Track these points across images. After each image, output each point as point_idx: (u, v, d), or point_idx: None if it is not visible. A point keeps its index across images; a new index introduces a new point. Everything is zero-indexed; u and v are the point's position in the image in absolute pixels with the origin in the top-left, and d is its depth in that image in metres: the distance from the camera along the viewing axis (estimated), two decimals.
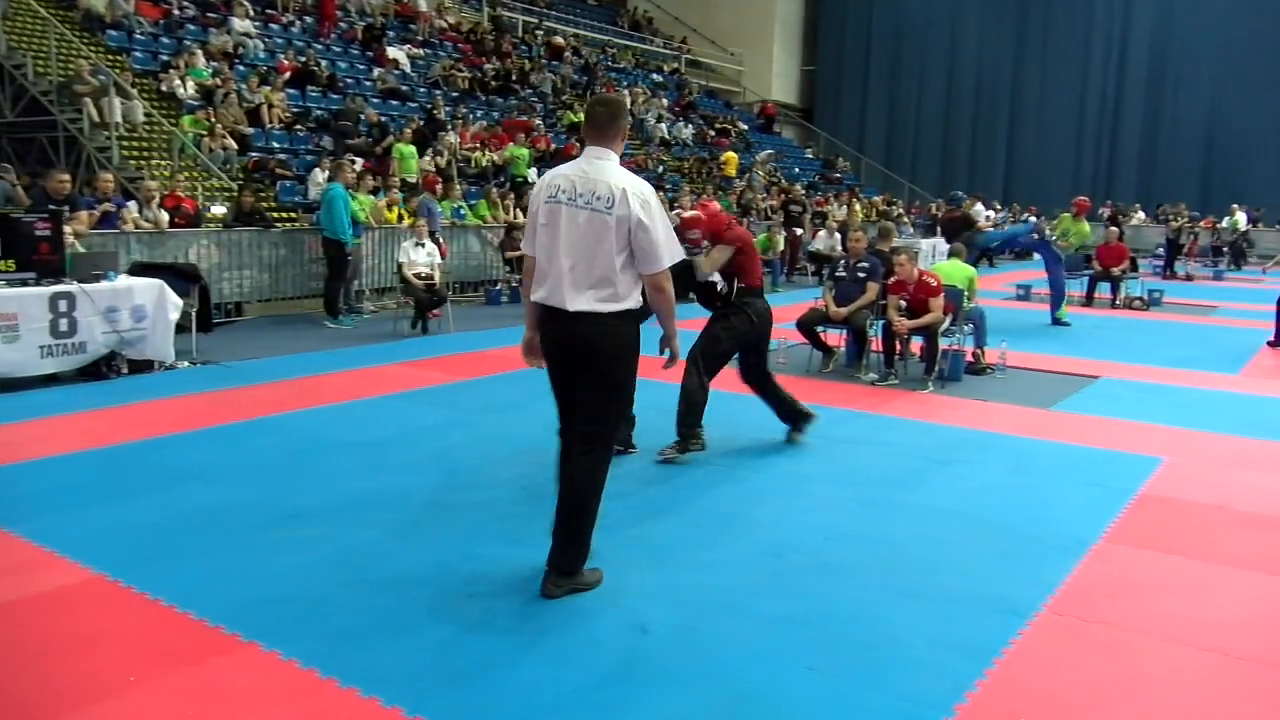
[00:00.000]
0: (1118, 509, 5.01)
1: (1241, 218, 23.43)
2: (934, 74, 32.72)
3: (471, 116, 18.52)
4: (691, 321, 5.59)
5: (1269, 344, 10.23)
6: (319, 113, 15.82)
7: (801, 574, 4.06)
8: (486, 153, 17.18)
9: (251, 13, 17.63)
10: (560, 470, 3.91)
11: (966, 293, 8.84)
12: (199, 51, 15.28)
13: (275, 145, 14.51)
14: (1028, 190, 29.48)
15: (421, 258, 11.00)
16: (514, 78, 21.76)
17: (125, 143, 12.93)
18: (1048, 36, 30.77)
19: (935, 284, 8.17)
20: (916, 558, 4.30)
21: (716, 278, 5.78)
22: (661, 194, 18.37)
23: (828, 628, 3.59)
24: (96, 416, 6.60)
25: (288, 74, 16.17)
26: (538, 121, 19.90)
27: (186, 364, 8.40)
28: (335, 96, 16.42)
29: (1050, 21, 30.68)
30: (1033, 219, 12.73)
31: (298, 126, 15.16)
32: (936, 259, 16.98)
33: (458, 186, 14.65)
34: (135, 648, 3.33)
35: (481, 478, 5.38)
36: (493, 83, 21.07)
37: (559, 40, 25.72)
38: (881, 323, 8.49)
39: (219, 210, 11.90)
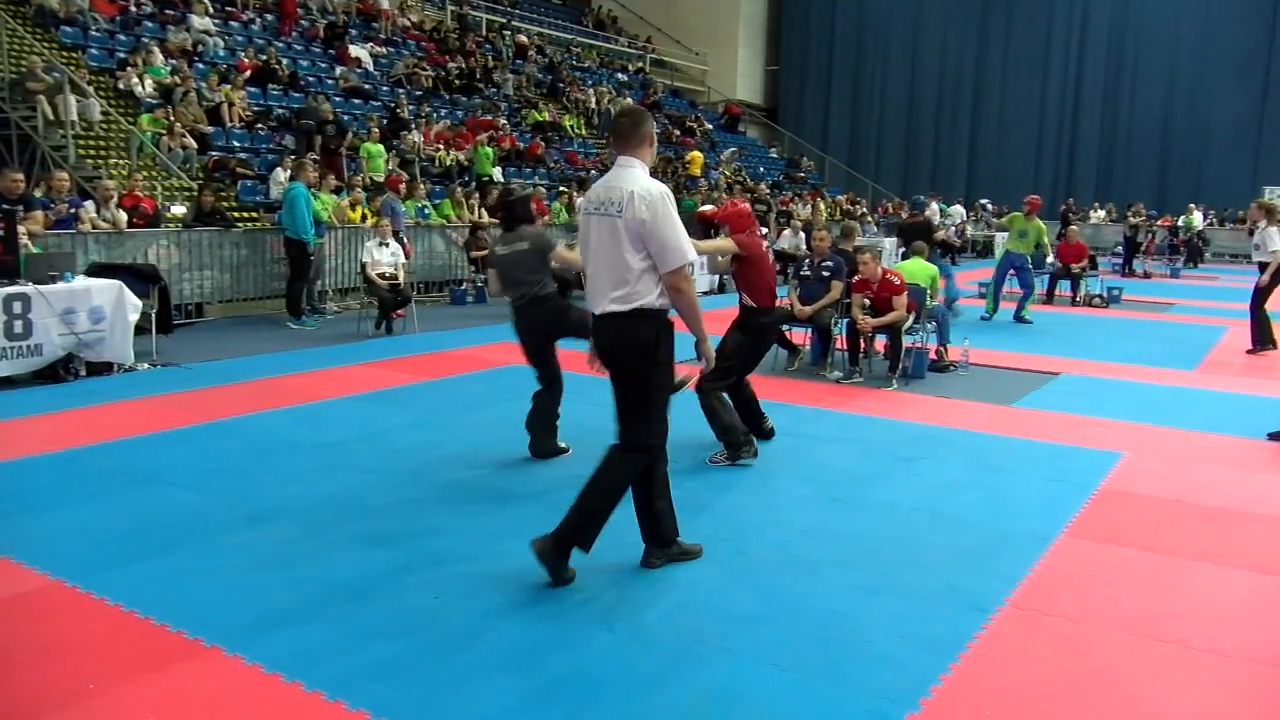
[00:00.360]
0: (1079, 504, 5.08)
1: (1197, 217, 23.85)
2: (897, 74, 33.03)
3: (435, 115, 18.41)
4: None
5: (1248, 352, 10.29)
6: (280, 111, 15.65)
7: (767, 570, 4.08)
8: (451, 152, 17.08)
9: (211, 10, 17.41)
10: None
11: (929, 291, 8.93)
12: (157, 49, 15.06)
13: (236, 144, 14.33)
14: (990, 189, 29.85)
15: (385, 257, 10.92)
16: (478, 76, 21.65)
17: (81, 141, 12.71)
18: (1009, 38, 31.17)
19: (899, 282, 8.24)
20: (881, 554, 4.33)
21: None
22: None
23: (793, 624, 3.61)
24: (53, 420, 6.48)
25: (248, 72, 15.98)
26: (502, 121, 19.83)
27: (146, 366, 8.29)
28: (297, 95, 16.25)
29: (1011, 23, 31.09)
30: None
31: (259, 125, 14.99)
32: (898, 259, 17.15)
33: (422, 186, 14.56)
34: (95, 655, 3.28)
35: (444, 478, 5.34)
36: (457, 81, 20.96)
37: (523, 39, 25.64)
38: (846, 321, 8.54)
39: (179, 210, 11.75)
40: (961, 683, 3.20)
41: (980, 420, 6.99)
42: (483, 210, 15.04)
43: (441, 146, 17.07)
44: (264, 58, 16.59)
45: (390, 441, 6.08)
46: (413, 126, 16.97)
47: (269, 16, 18.99)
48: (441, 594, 3.81)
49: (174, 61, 14.99)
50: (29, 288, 7.42)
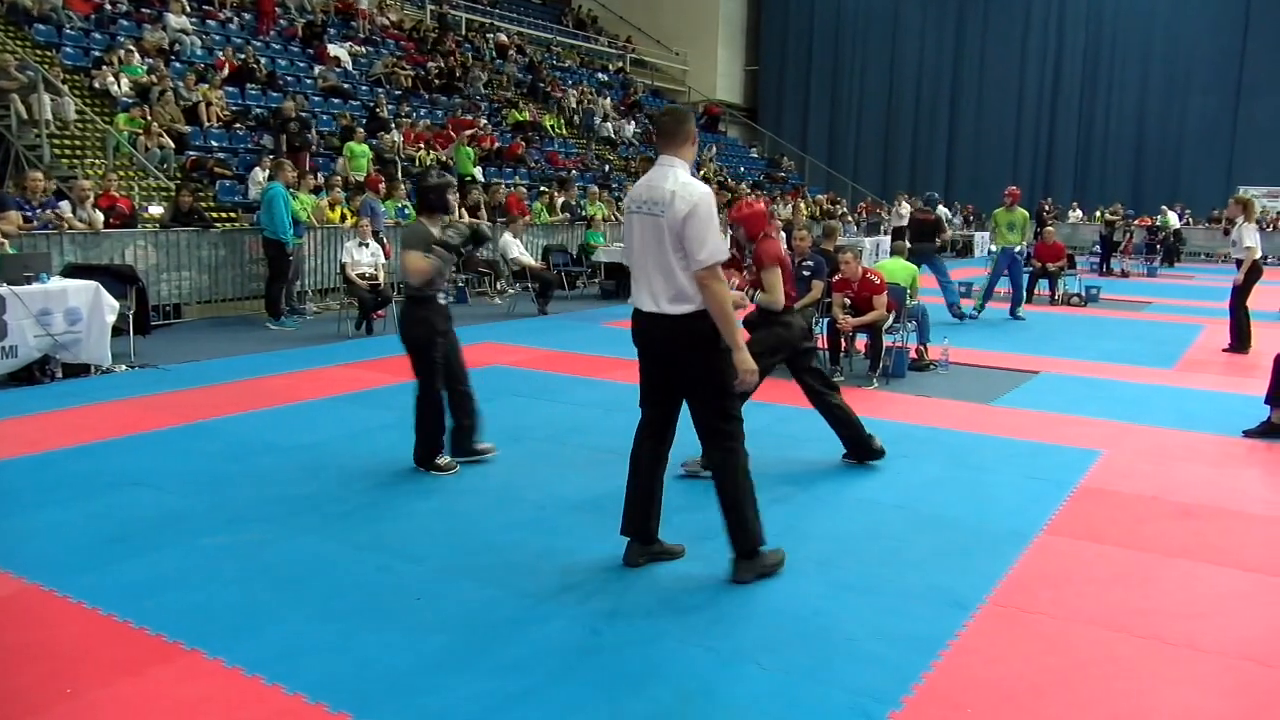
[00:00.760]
0: (1058, 501, 5.12)
1: (1173, 217, 24.07)
2: (875, 75, 33.20)
3: (416, 115, 18.34)
4: None
5: (1224, 350, 10.27)
6: (259, 111, 15.55)
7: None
8: (431, 152, 17.02)
9: (188, 8, 17.28)
10: (635, 455, 4.11)
11: (909, 290, 8.98)
12: (133, 48, 14.93)
13: (214, 144, 14.23)
14: (968, 189, 30.09)
15: (365, 258, 10.88)
16: (457, 76, 21.58)
17: (57, 141, 12.58)
18: (986, 39, 31.39)
19: (879, 282, 8.27)
20: (862, 552, 4.35)
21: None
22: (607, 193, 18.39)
23: (776, 623, 3.62)
24: (30, 422, 6.42)
25: (226, 71, 15.86)
26: (483, 121, 19.77)
27: (124, 368, 8.22)
28: (275, 94, 16.15)
29: (988, 25, 31.31)
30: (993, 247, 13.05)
31: (237, 125, 14.89)
32: (880, 257, 17.24)
33: (401, 186, 14.51)
34: (72, 658, 3.25)
35: (423, 479, 5.33)
36: (436, 81, 20.89)
37: (503, 39, 25.59)
38: (826, 320, 8.57)
39: (156, 210, 11.65)
40: (943, 680, 3.22)
41: (960, 419, 7.03)
42: (463, 210, 15.00)
43: (422, 146, 17.00)
44: (242, 57, 16.48)
45: (370, 442, 6.05)
46: (392, 126, 16.90)
47: (247, 15, 18.86)
48: (422, 594, 3.80)
49: (150, 60, 14.86)
50: (4, 289, 7.34)
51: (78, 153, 12.74)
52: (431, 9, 25.17)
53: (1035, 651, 3.45)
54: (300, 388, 7.59)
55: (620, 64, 30.63)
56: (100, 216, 10.30)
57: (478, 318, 12.24)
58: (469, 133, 17.99)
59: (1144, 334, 11.74)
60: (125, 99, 13.75)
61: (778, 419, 6.68)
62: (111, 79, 13.89)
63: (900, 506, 5.00)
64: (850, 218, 23.89)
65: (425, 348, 5.33)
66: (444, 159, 17.00)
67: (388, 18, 22.90)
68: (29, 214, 9.55)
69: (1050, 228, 15.56)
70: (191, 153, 13.60)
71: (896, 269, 9.14)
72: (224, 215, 12.73)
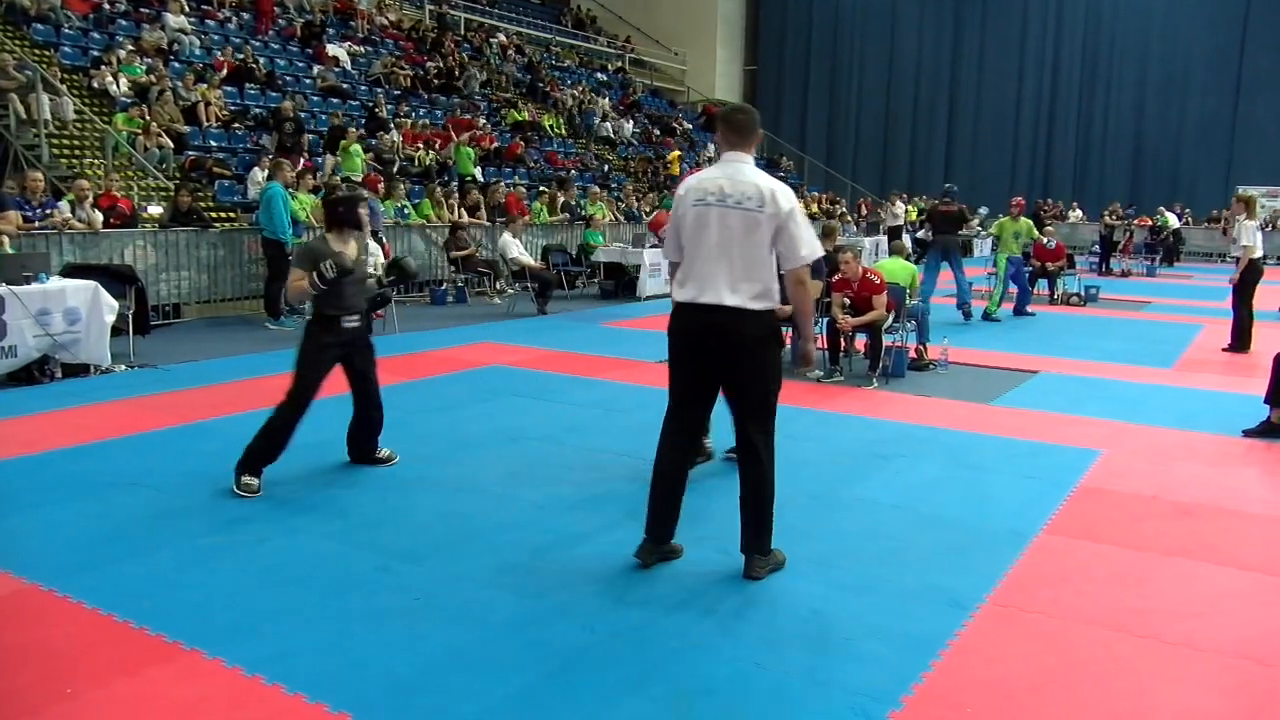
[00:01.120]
0: (1057, 501, 5.12)
1: (1172, 218, 24.07)
2: (873, 74, 33.20)
3: (415, 115, 18.33)
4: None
5: (1224, 349, 10.30)
6: (257, 111, 15.54)
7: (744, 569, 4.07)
8: (430, 152, 17.02)
9: (186, 8, 17.26)
10: (663, 456, 4.03)
11: (909, 290, 8.98)
12: (132, 47, 14.92)
13: (213, 144, 14.22)
14: (966, 188, 29.95)
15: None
16: (456, 76, 21.58)
17: (55, 141, 12.58)
18: (984, 38, 31.39)
19: (879, 281, 8.28)
20: (861, 552, 4.35)
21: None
22: (606, 192, 18.40)
23: (774, 623, 3.62)
24: (29, 422, 6.42)
25: (225, 71, 15.86)
26: (482, 120, 19.77)
27: (123, 367, 8.22)
28: (274, 94, 16.14)
29: (986, 23, 31.31)
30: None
31: (236, 125, 14.88)
32: (879, 257, 17.25)
33: (401, 186, 14.50)
34: (71, 658, 3.25)
35: (418, 479, 5.33)
36: (435, 81, 20.88)
37: (503, 39, 25.59)
38: (826, 320, 8.57)
39: (155, 210, 11.64)
40: (943, 680, 3.22)
41: (959, 418, 7.03)
42: (462, 210, 15.00)
43: (421, 146, 17.00)
44: (240, 57, 16.48)
45: None
46: (391, 126, 16.90)
47: (245, 15, 18.84)
48: (421, 594, 3.79)
49: (149, 60, 14.85)
50: (3, 288, 7.34)
51: (76, 153, 12.74)
52: (430, 9, 25.17)
53: (1035, 651, 3.45)
54: None
55: (619, 64, 30.62)
56: (99, 216, 10.30)
57: (477, 317, 12.24)
58: (468, 133, 17.99)
59: (1143, 333, 11.75)
60: (124, 99, 13.74)
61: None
62: (110, 79, 13.89)
63: (899, 506, 5.00)
64: (850, 217, 23.90)
65: (301, 364, 5.06)
66: (443, 159, 17.00)
67: (387, 18, 22.89)
68: (28, 214, 9.54)
69: (1050, 228, 15.58)
70: (190, 153, 13.59)
71: (896, 269, 9.14)
72: (223, 215, 12.73)
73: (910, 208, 25.09)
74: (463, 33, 25.09)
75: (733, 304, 3.80)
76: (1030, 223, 13.34)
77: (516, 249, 13.40)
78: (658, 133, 26.10)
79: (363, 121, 16.67)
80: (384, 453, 5.57)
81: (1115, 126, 29.73)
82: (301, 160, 13.78)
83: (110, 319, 8.11)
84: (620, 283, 14.85)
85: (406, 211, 14.29)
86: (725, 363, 3.90)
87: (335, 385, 7.66)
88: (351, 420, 5.47)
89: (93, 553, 4.17)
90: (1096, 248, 21.57)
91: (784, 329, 8.53)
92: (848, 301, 8.32)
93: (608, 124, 24.18)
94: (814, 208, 24.12)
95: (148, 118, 13.33)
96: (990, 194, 26.40)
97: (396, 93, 19.25)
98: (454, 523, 4.64)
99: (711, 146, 26.64)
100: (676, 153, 23.81)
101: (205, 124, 14.35)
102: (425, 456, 5.76)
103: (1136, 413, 7.26)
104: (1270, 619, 3.81)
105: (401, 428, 6.45)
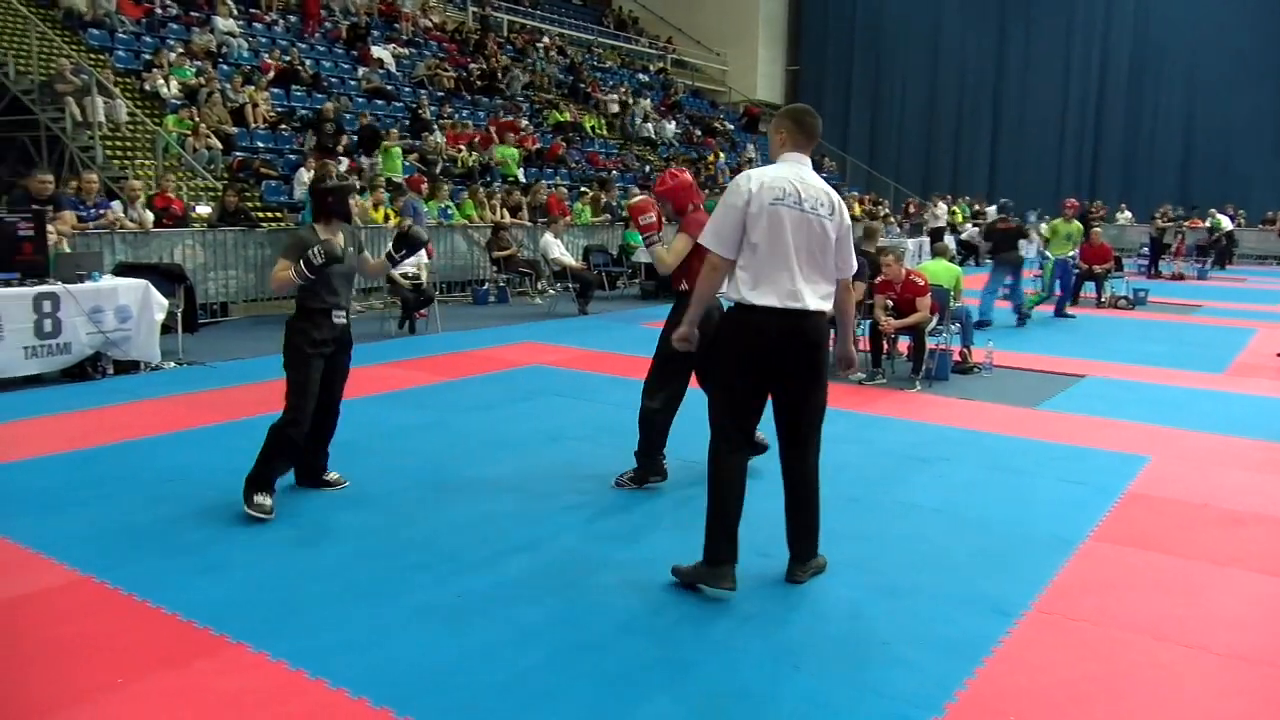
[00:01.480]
0: (1104, 507, 5.04)
1: (1224, 220, 23.60)
2: (917, 73, 32.86)
3: (458, 117, 18.48)
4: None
5: (1279, 354, 10.07)
6: (304, 112, 15.75)
7: (784, 572, 4.04)
8: (472, 153, 17.14)
9: (235, 12, 17.55)
10: (733, 473, 3.84)
11: (953, 292, 8.88)
12: (182, 51, 15.19)
13: (260, 145, 14.45)
14: (1011, 190, 29.56)
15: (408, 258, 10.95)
16: (499, 77, 21.71)
17: (108, 142, 12.85)
18: (1030, 37, 30.94)
19: (922, 283, 8.20)
20: (900, 555, 4.31)
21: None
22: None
23: (812, 626, 3.60)
24: (81, 417, 6.56)
25: (272, 73, 16.10)
26: (524, 121, 19.88)
27: (172, 364, 8.37)
28: (319, 96, 16.35)
29: (1032, 22, 30.85)
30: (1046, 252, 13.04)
31: (282, 126, 15.10)
32: (922, 259, 17.08)
33: (444, 186, 14.63)
34: (122, 649, 3.31)
35: (463, 478, 5.36)
36: (478, 82, 21.03)
37: (546, 40, 25.71)
38: (868, 322, 8.51)
39: (204, 210, 11.84)
40: (986, 687, 3.18)
41: (1003, 422, 6.94)
42: (504, 211, 15.10)
43: (464, 147, 17.13)
44: (287, 59, 16.71)
45: (409, 441, 6.12)
46: (434, 127, 17.04)
47: (292, 18, 19.12)
48: (463, 592, 3.82)
49: (198, 63, 15.12)
50: (58, 286, 7.50)
51: (128, 154, 13.00)
52: (474, 11, 25.35)
53: (1080, 660, 3.40)
54: None
55: (661, 64, 30.62)
56: (150, 216, 10.50)
57: (518, 317, 12.30)
58: (513, 134, 18.09)
59: (1194, 338, 11.53)
60: (174, 101, 14.01)
61: None
62: (161, 81, 14.17)
63: (940, 510, 4.95)
64: (893, 219, 23.70)
65: (291, 366, 4.75)
66: (485, 159, 17.12)
67: (430, 20, 23.10)
68: (83, 214, 9.75)
69: (1097, 229, 15.35)
70: (238, 153, 13.82)
71: (940, 270, 9.04)
72: (269, 215, 12.92)
73: (955, 209, 24.83)
74: (505, 34, 25.23)
75: (815, 308, 3.76)
76: (1080, 225, 13.24)
77: (558, 249, 13.46)
78: (699, 133, 26.07)
79: (406, 123, 16.84)
80: (333, 475, 5.10)
81: (1165, 125, 29.16)
82: (346, 161, 13.95)
83: (160, 317, 8.26)
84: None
85: (449, 212, 14.40)
86: (798, 368, 3.80)
87: (375, 386, 7.75)
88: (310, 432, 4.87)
89: (142, 546, 4.25)
90: (1145, 250, 21.20)
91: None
92: (890, 303, 8.25)
93: (649, 125, 24.20)
94: (856, 209, 23.96)
95: (197, 119, 13.57)
96: (1036, 195, 25.99)
97: (440, 94, 19.42)
98: (493, 522, 4.66)
99: (751, 147, 26.56)
100: (719, 153, 23.75)
101: (252, 125, 14.58)
102: (465, 455, 5.80)
103: (1186, 418, 7.12)
104: None
105: (441, 427, 6.51)
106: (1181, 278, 20.09)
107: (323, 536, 4.42)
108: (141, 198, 10.57)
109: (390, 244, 4.97)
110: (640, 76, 28.07)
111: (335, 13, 20.45)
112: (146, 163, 12.85)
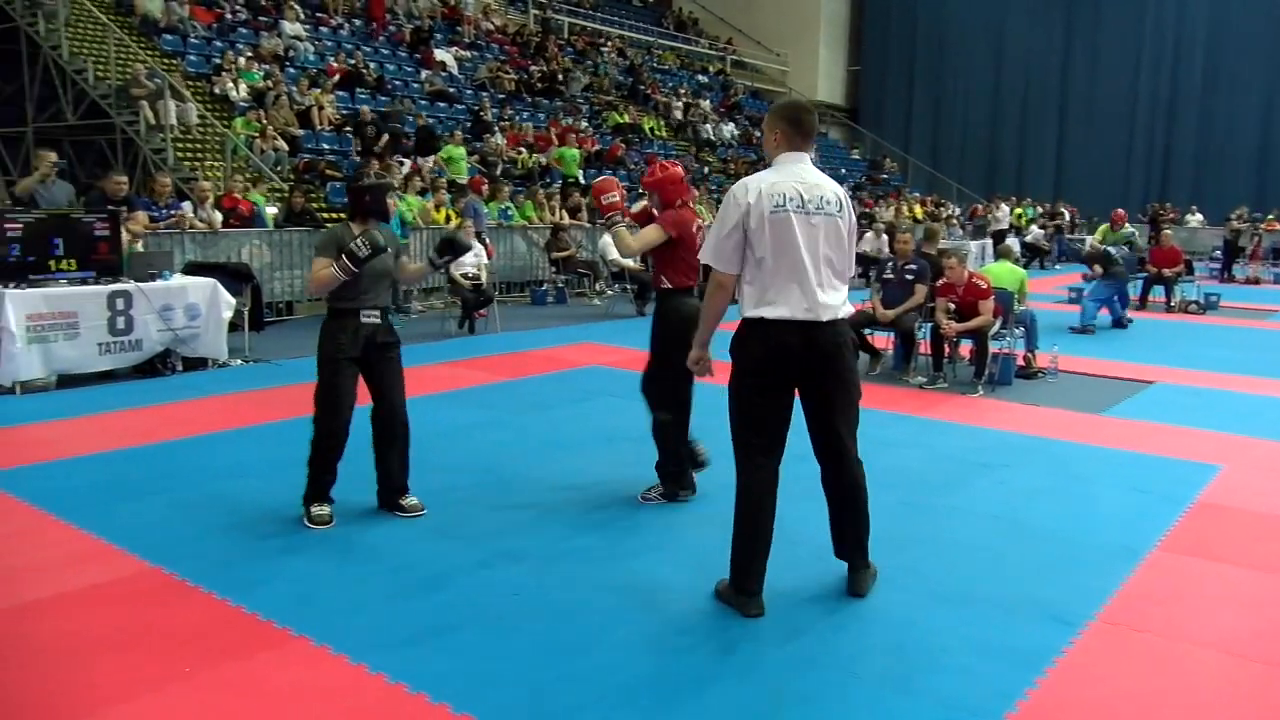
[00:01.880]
0: (1173, 517, 4.91)
1: None
2: (980, 73, 32.27)
3: (518, 119, 18.63)
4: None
5: None
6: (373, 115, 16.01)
7: (842, 578, 4.00)
8: (532, 154, 17.27)
9: (302, 16, 17.90)
10: (763, 500, 3.67)
11: (1017, 295, 8.72)
12: (250, 54, 15.54)
13: (325, 146, 14.71)
14: (1079, 192, 28.98)
15: (468, 258, 11.06)
16: (559, 79, 21.85)
17: (179, 144, 13.18)
18: (1098, 36, 30.20)
19: (985, 286, 8.07)
20: (959, 562, 4.24)
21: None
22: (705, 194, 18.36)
23: (870, 633, 3.56)
24: (151, 413, 6.74)
25: (337, 76, 16.39)
26: (583, 123, 19.97)
27: (239, 362, 8.55)
28: (383, 98, 16.60)
29: (1100, 19, 30.11)
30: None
31: (347, 128, 15.37)
32: (985, 261, 16.81)
33: (504, 187, 14.76)
34: (188, 639, 3.39)
35: (521, 477, 5.40)
36: (538, 84, 21.18)
37: (608, 44, 25.81)
38: (930, 325, 8.40)
39: (271, 211, 12.09)
40: (1047, 698, 3.12)
41: (1068, 428, 6.80)
42: (564, 212, 15.18)
43: (524, 149, 17.26)
44: (352, 62, 17.00)
45: (467, 440, 6.18)
46: (495, 129, 17.20)
47: (357, 21, 19.45)
48: (520, 591, 3.85)
49: (266, 66, 15.45)
50: (131, 285, 7.72)
51: (198, 156, 13.33)
52: (535, 13, 25.54)
53: (1145, 672, 3.32)
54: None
55: (721, 65, 30.54)
56: (219, 216, 10.74)
57: (576, 318, 12.37)
58: (574, 136, 18.19)
59: (1269, 343, 11.18)
60: (242, 104, 14.33)
61: (876, 424, 6.54)
62: (230, 85, 14.51)
63: (1000, 517, 4.87)
64: (955, 220, 23.34)
65: (320, 368, 4.60)
66: (545, 161, 17.24)
67: (492, 22, 23.33)
68: (154, 214, 10.02)
69: (1167, 231, 14.96)
70: (304, 155, 14.09)
71: (1003, 273, 8.89)
72: (334, 216, 13.13)
73: (1020, 210, 24.36)
74: (566, 36, 25.38)
75: (829, 317, 3.58)
76: (1133, 230, 12.97)
77: (616, 250, 13.48)
78: (758, 135, 25.94)
79: (468, 125, 17.02)
80: (410, 500, 4.77)
81: (1240, 125, 28.24)
82: (408, 163, 14.14)
83: (228, 315, 8.45)
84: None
85: (510, 213, 14.53)
86: (823, 378, 3.63)
87: (435, 385, 7.84)
88: (373, 443, 4.77)
89: (208, 539, 4.35)
90: (1218, 253, 20.59)
91: (868, 332, 8.49)
92: (952, 306, 8.13)
93: (708, 126, 24.16)
94: (918, 211, 23.65)
95: (264, 121, 13.87)
96: (1104, 197, 25.42)
97: (501, 96, 19.60)
98: (550, 521, 4.69)
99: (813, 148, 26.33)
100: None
101: (318, 127, 14.85)
102: (523, 455, 5.85)
103: (1260, 427, 6.91)
104: None
105: (500, 426, 6.57)
106: (1257, 282, 19.49)
107: (381, 532, 4.49)
108: (210, 198, 10.83)
109: (433, 249, 4.90)
110: (700, 78, 28.03)
111: (399, 16, 20.76)
112: (215, 164, 13.17)
